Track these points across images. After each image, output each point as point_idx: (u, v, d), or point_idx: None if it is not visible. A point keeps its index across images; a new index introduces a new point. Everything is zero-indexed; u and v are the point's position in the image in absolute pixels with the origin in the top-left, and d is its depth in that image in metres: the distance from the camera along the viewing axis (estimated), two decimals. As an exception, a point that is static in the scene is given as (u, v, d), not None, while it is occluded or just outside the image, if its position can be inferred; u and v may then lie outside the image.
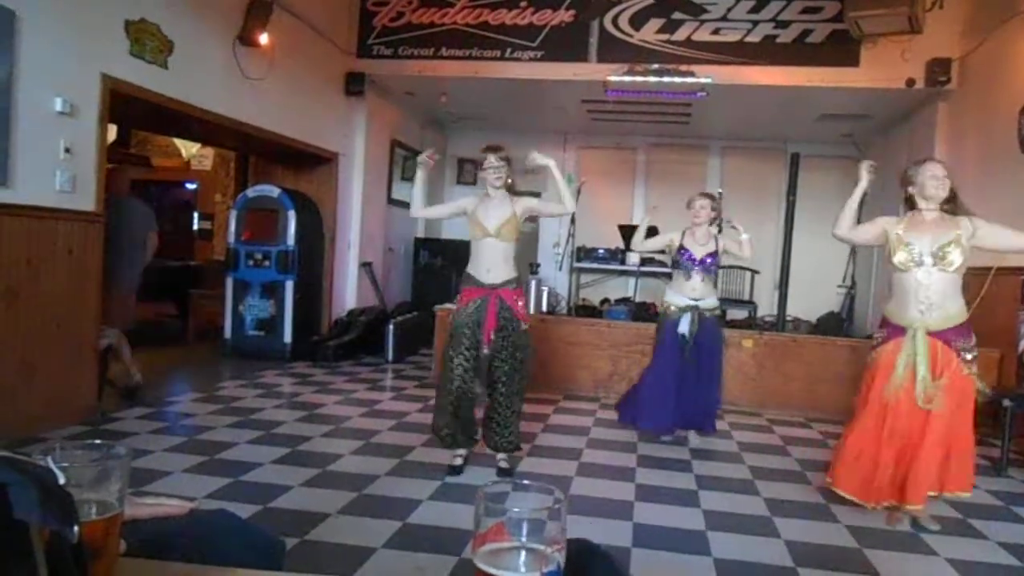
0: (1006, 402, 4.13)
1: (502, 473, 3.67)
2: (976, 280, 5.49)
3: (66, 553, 0.61)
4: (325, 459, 3.74)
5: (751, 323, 7.64)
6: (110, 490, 0.70)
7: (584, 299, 9.13)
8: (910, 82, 6.28)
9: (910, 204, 3.24)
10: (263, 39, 5.75)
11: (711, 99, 7.02)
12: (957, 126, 6.34)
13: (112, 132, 7.70)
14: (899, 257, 3.12)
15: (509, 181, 3.69)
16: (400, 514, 3.00)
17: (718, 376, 4.50)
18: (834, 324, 7.86)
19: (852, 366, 5.46)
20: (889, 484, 3.12)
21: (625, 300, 8.29)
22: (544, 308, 7.58)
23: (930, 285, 3.06)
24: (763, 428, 5.06)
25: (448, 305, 6.56)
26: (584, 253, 8.80)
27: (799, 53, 6.54)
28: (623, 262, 8.64)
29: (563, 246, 9.02)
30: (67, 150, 4.03)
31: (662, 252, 4.78)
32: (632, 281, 8.73)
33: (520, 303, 3.64)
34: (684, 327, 4.32)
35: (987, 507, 3.57)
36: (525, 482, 0.68)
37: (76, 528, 0.61)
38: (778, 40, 6.59)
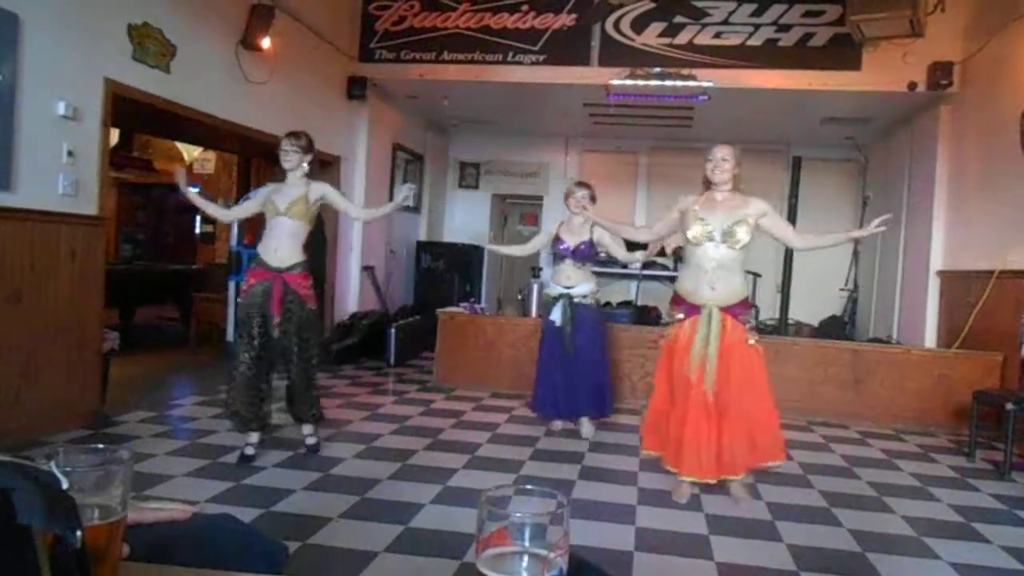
0: (1009, 405, 4.11)
1: (309, 451, 3.86)
2: (979, 283, 5.50)
3: (69, 558, 0.61)
4: (327, 463, 3.74)
5: (753, 326, 7.62)
6: (113, 494, 0.70)
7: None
8: (912, 85, 6.28)
9: (706, 184, 3.49)
10: (265, 43, 5.76)
11: (713, 103, 7.02)
12: (959, 129, 6.34)
13: (114, 136, 7.73)
14: (693, 231, 3.38)
15: (306, 166, 3.87)
16: (402, 518, 3.00)
17: (602, 362, 4.62)
18: (836, 328, 7.84)
19: (855, 369, 5.46)
20: (711, 460, 3.33)
21: (627, 303, 8.29)
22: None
23: (716, 259, 3.33)
24: (765, 432, 5.05)
25: (451, 308, 6.60)
26: (586, 256, 8.79)
27: (801, 57, 6.54)
28: (625, 265, 8.63)
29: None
30: (70, 154, 4.04)
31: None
32: (634, 284, 8.73)
33: (306, 285, 3.76)
34: (556, 315, 4.47)
35: (990, 510, 3.56)
36: (528, 486, 0.68)
37: (79, 533, 0.61)
38: (780, 44, 6.59)
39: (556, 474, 3.80)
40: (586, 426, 4.60)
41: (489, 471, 3.77)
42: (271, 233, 3.77)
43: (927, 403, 5.32)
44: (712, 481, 3.36)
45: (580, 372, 4.47)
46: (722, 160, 3.37)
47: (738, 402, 3.33)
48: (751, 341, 3.40)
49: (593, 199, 4.52)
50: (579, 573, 0.87)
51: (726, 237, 3.32)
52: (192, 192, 4.04)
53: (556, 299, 4.51)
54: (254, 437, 3.74)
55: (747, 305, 3.45)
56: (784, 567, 2.73)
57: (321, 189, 3.87)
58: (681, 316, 3.44)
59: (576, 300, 4.49)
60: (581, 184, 4.61)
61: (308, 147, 3.87)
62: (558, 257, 4.56)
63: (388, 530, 2.86)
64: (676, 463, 3.39)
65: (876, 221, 3.33)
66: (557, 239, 4.55)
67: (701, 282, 3.36)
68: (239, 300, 3.77)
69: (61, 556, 0.61)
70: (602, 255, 4.74)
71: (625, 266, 7.70)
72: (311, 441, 3.90)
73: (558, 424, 4.70)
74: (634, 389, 5.71)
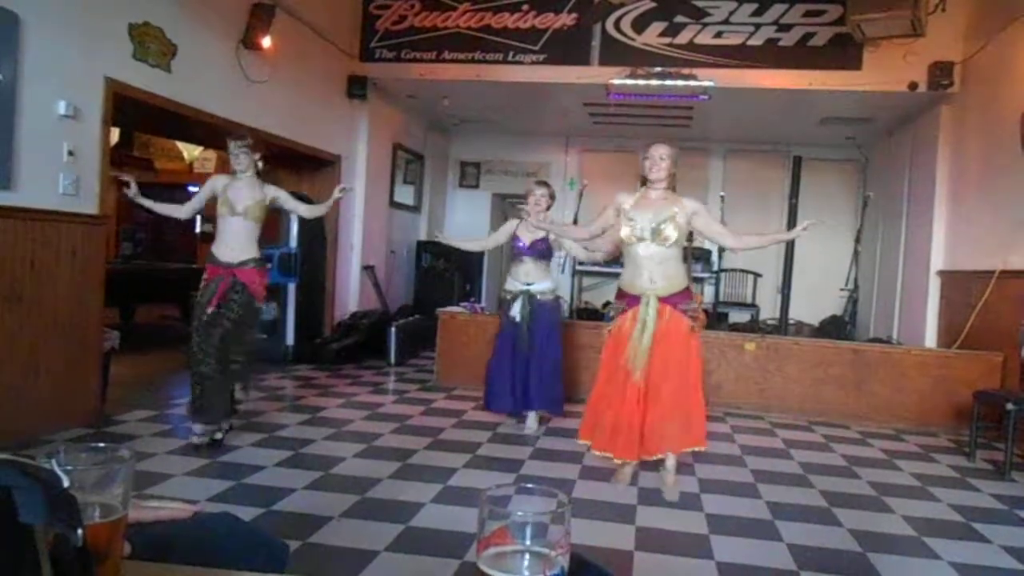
0: (1010, 405, 4.10)
1: (211, 444, 3.82)
2: (979, 283, 5.50)
3: (70, 556, 0.61)
4: (328, 462, 3.74)
5: (754, 326, 7.63)
6: (114, 493, 0.70)
7: (586, 302, 9.14)
8: (913, 85, 6.27)
9: (643, 182, 3.56)
10: (266, 42, 5.76)
11: (713, 102, 7.02)
12: (960, 129, 6.33)
13: (115, 135, 7.72)
14: (624, 232, 3.45)
15: (259, 166, 3.99)
16: (403, 517, 3.01)
17: (557, 359, 4.64)
18: (837, 328, 7.84)
19: (855, 369, 5.46)
20: (636, 442, 3.44)
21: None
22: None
23: (650, 257, 3.40)
24: (765, 431, 5.05)
25: (451, 308, 6.59)
26: (586, 256, 8.80)
27: (801, 56, 6.54)
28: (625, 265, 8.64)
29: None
30: (70, 153, 4.04)
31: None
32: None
33: (257, 280, 3.85)
34: (515, 311, 4.52)
35: (991, 511, 3.56)
36: (529, 485, 0.68)
37: (80, 531, 0.61)
38: (780, 43, 6.59)
39: (556, 473, 3.80)
40: (531, 420, 4.65)
41: (489, 470, 3.77)
42: (225, 231, 3.91)
43: (927, 403, 5.32)
44: (633, 461, 3.52)
45: (535, 368, 4.53)
46: (660, 159, 3.44)
47: (672, 388, 3.42)
48: (691, 328, 3.46)
49: (552, 197, 4.58)
50: (580, 572, 0.86)
51: (655, 236, 3.39)
52: (143, 198, 4.01)
53: (516, 296, 4.56)
54: (224, 426, 3.90)
55: (687, 295, 3.50)
56: (784, 567, 2.73)
57: (273, 192, 4.05)
58: (624, 308, 3.53)
59: (535, 296, 4.53)
60: (541, 183, 4.67)
61: (256, 145, 3.99)
62: (516, 255, 4.59)
63: (389, 529, 2.86)
64: (611, 448, 3.49)
65: (804, 223, 3.39)
66: (515, 237, 4.60)
67: (639, 276, 3.45)
68: (198, 298, 3.86)
69: (62, 555, 0.61)
70: (561, 253, 4.83)
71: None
72: (217, 435, 3.86)
73: (511, 420, 4.75)
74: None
